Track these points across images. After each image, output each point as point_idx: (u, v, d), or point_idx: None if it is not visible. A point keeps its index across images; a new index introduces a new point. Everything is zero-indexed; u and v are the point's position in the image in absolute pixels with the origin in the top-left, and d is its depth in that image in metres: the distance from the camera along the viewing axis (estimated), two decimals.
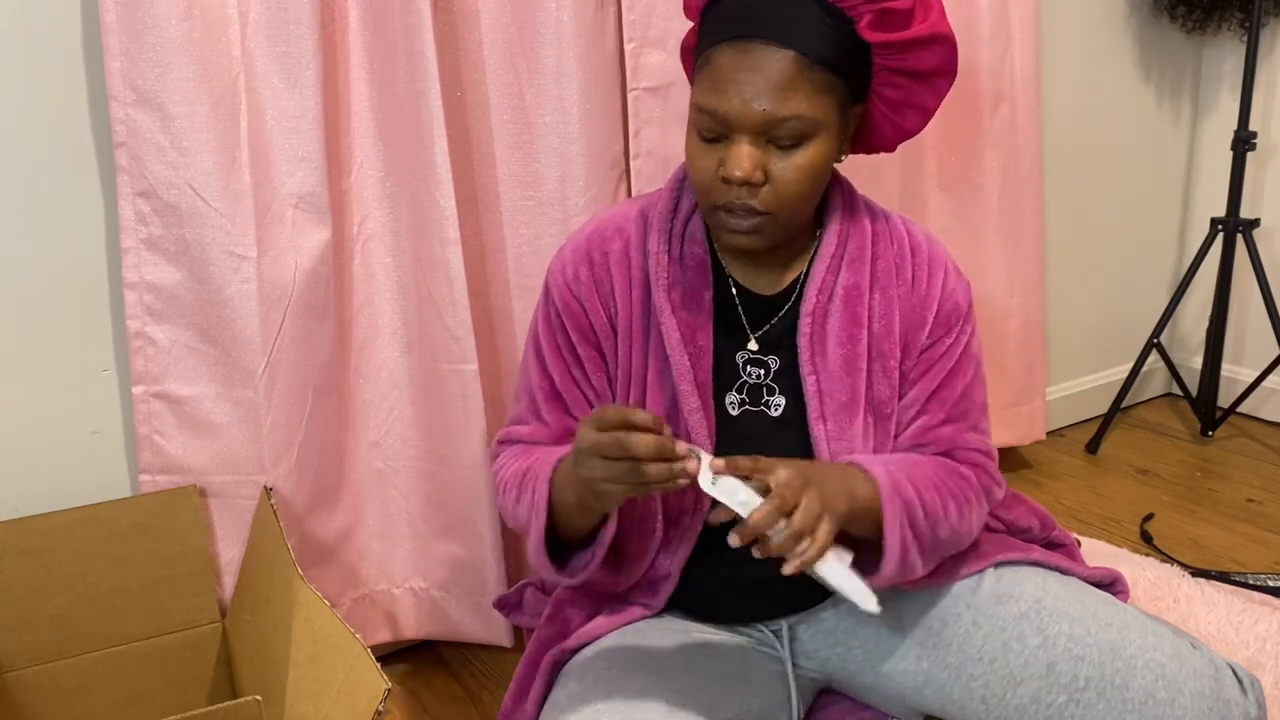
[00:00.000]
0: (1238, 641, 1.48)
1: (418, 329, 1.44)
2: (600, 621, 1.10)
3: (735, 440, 1.04)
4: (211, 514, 1.34)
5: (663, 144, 1.53)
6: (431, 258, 1.39)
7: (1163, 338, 2.30)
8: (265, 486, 1.31)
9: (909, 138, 1.08)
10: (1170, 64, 2.37)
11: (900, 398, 1.09)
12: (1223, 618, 1.54)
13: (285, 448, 1.34)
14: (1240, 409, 2.36)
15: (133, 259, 1.25)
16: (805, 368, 1.05)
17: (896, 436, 1.10)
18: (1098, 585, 1.17)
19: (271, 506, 1.26)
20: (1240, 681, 1.03)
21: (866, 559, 0.98)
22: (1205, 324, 2.33)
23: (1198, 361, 2.38)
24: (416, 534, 1.51)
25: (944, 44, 0.99)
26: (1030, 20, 1.88)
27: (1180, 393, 2.49)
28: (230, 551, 1.35)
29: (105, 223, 1.28)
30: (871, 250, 1.07)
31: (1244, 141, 2.14)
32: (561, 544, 1.04)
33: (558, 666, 1.09)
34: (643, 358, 1.06)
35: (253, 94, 1.25)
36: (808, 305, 1.05)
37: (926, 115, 1.05)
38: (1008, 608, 1.06)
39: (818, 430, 1.04)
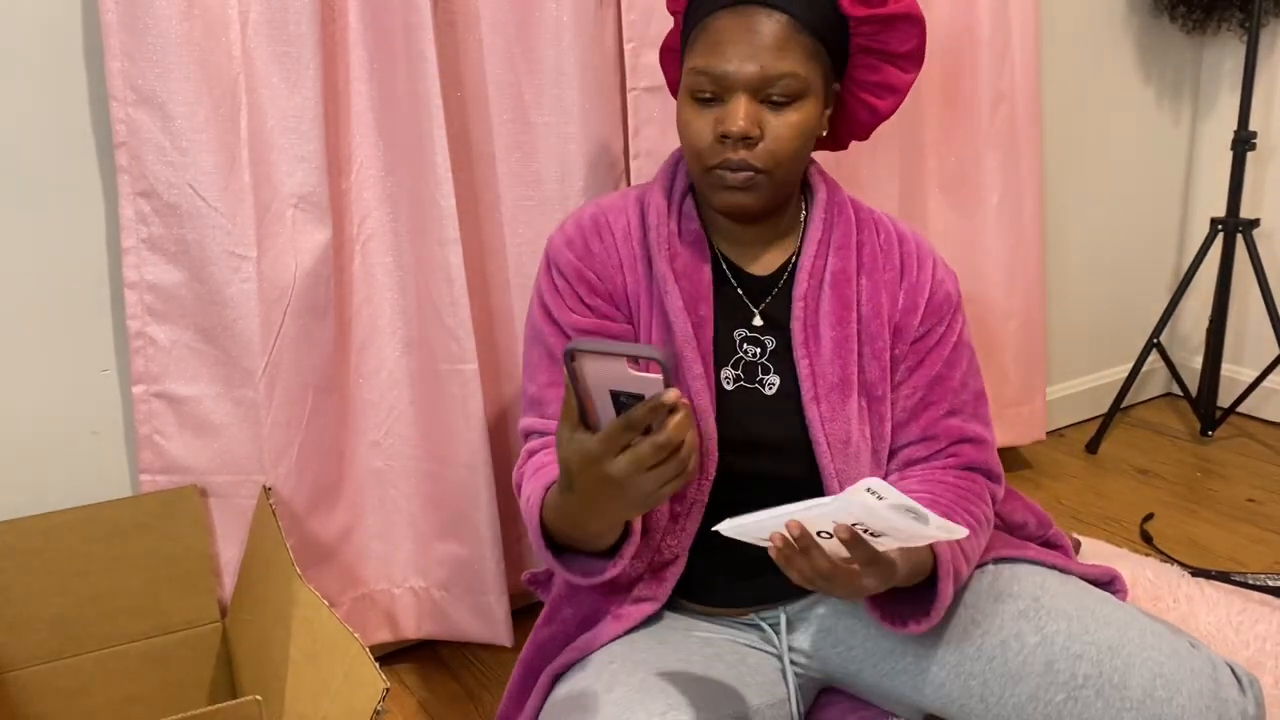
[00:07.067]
0: (1238, 641, 1.48)
1: (417, 328, 1.44)
2: (602, 630, 1.09)
3: (731, 414, 1.08)
4: (211, 514, 1.34)
5: (662, 143, 1.53)
6: (431, 257, 1.39)
7: (1163, 338, 2.30)
8: (265, 486, 1.31)
9: (881, 121, 1.14)
10: (1170, 64, 2.37)
11: (892, 381, 1.12)
12: (1223, 618, 1.54)
13: (285, 448, 1.34)
14: (1240, 409, 2.36)
15: (133, 259, 1.25)
16: (799, 350, 1.08)
17: (901, 424, 1.13)
18: (1096, 584, 1.17)
19: (271, 506, 1.26)
20: (1239, 680, 1.03)
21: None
22: (1205, 324, 2.33)
23: (1198, 361, 2.38)
24: (416, 534, 1.51)
25: (916, 25, 1.07)
26: (1030, 20, 1.88)
27: (1180, 393, 2.49)
28: (230, 551, 1.35)
29: (105, 223, 1.28)
30: (857, 237, 1.12)
31: (1244, 141, 2.14)
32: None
33: (555, 676, 1.09)
34: (647, 331, 1.09)
35: (253, 94, 1.25)
36: (800, 289, 1.09)
37: (898, 98, 1.12)
38: (1006, 606, 1.07)
39: (812, 411, 1.08)
